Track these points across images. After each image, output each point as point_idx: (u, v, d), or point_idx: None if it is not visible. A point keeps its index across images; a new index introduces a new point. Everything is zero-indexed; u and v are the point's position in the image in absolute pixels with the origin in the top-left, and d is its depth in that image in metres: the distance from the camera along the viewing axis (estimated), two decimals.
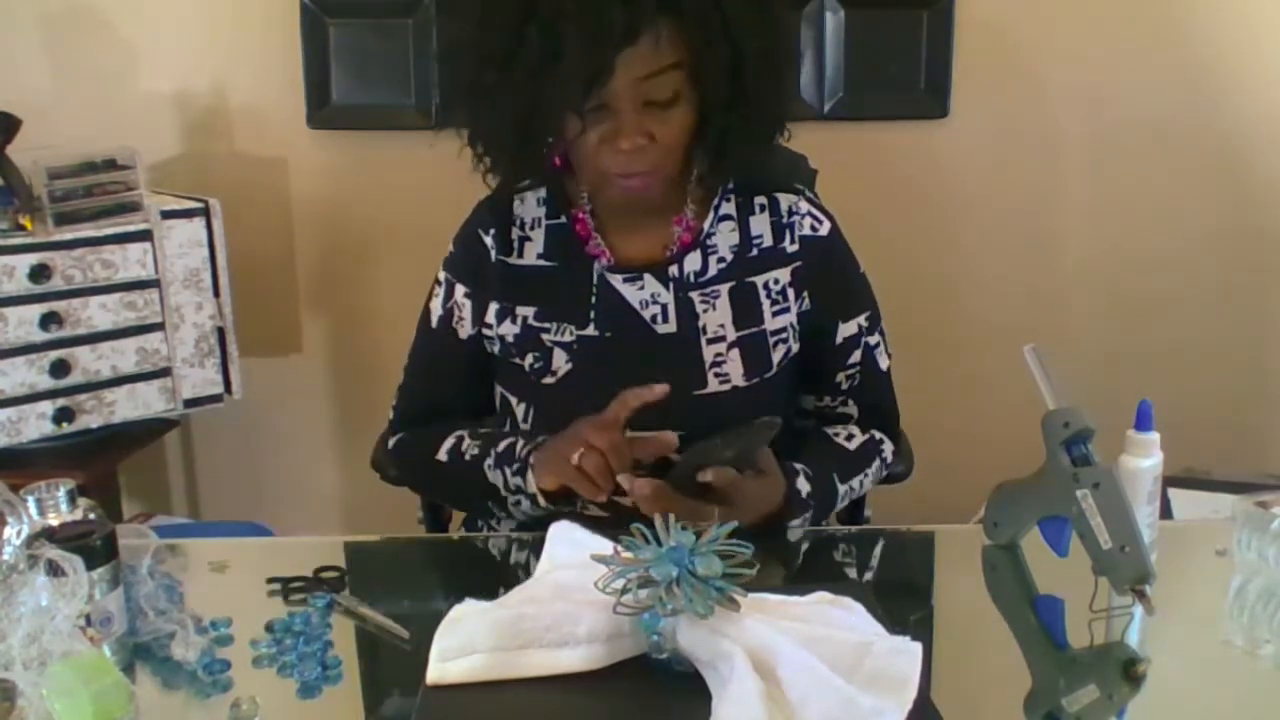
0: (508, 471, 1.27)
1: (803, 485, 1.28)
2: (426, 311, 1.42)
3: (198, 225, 2.07)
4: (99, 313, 1.99)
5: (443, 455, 1.35)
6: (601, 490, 1.17)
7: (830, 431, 1.41)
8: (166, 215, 2.04)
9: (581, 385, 1.31)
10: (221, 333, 2.12)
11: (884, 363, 1.42)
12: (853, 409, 1.42)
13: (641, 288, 1.33)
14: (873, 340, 1.40)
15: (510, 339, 1.35)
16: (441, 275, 1.41)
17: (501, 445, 1.29)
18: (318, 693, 0.95)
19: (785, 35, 1.30)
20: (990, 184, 2.37)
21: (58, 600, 0.88)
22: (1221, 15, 2.27)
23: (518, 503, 1.28)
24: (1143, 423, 1.11)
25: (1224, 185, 2.36)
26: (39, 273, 1.92)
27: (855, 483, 1.37)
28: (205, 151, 2.34)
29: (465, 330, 1.39)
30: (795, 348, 1.36)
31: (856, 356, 1.39)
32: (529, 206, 1.37)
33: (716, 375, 1.31)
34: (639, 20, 1.14)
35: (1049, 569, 1.09)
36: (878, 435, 1.42)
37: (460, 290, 1.38)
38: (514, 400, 1.37)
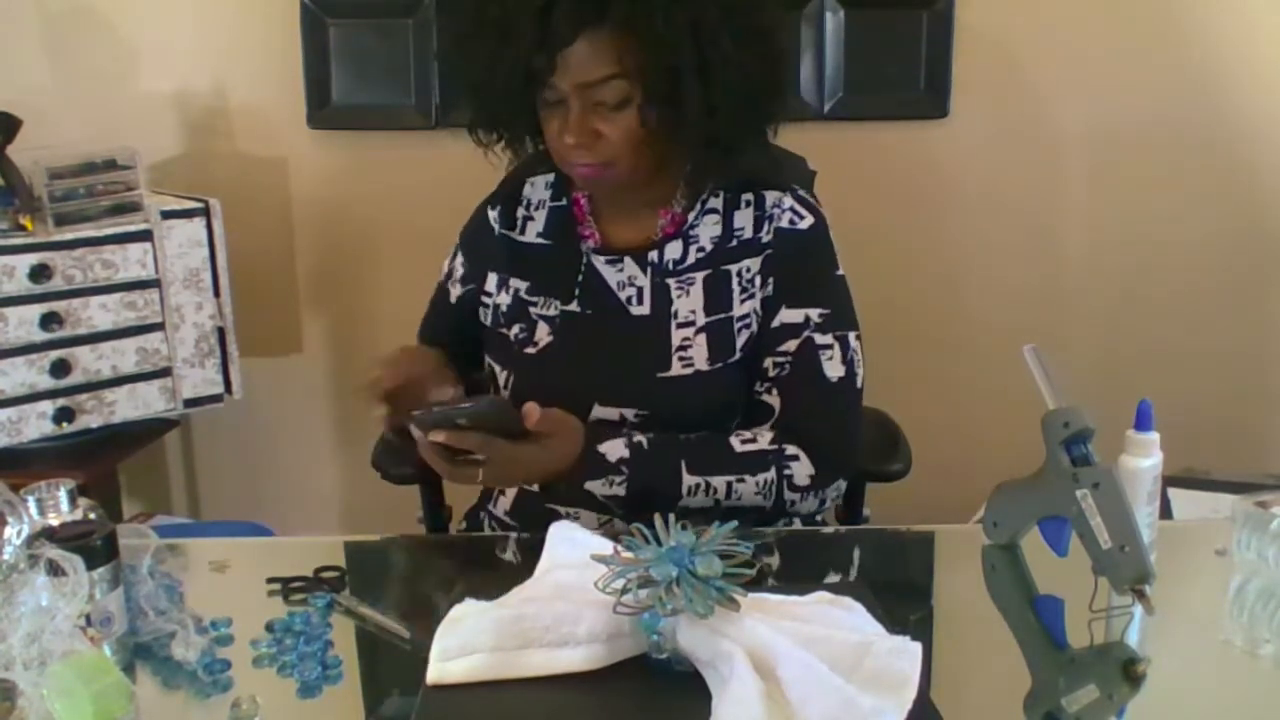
0: None
1: (612, 449, 1.27)
2: (443, 266, 1.53)
3: (198, 225, 2.07)
4: (99, 313, 1.99)
5: None
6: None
7: (735, 434, 1.33)
8: (167, 215, 2.04)
9: (558, 356, 1.37)
10: (221, 333, 2.12)
11: (831, 371, 1.32)
12: (774, 400, 1.33)
13: (621, 270, 1.38)
14: (821, 339, 1.33)
15: (503, 308, 1.42)
16: (457, 238, 1.52)
17: None
18: (318, 693, 0.95)
19: (734, 39, 1.25)
20: (990, 184, 2.37)
21: (58, 600, 0.88)
22: (1221, 15, 2.27)
23: None
24: (1142, 423, 1.11)
25: (1224, 185, 2.36)
26: (39, 273, 1.92)
27: (719, 481, 1.28)
28: (205, 151, 2.34)
29: (454, 294, 1.49)
30: (755, 331, 1.35)
31: (791, 346, 1.33)
32: (538, 189, 1.46)
33: (680, 359, 1.33)
34: (560, 29, 1.21)
35: (1049, 569, 1.09)
36: (790, 450, 1.30)
37: (460, 257, 1.50)
38: (498, 368, 1.43)
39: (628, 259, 1.38)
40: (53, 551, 0.90)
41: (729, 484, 1.28)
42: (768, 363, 1.34)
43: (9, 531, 0.93)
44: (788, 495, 1.30)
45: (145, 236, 2.02)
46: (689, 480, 1.27)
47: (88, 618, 0.94)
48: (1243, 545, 1.14)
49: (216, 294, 2.11)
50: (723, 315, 1.35)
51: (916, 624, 1.06)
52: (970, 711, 0.92)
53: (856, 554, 1.29)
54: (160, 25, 2.28)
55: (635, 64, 1.23)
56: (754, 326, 1.35)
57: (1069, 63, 2.30)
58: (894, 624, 0.95)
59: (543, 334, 1.38)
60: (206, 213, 2.07)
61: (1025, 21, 2.28)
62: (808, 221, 1.36)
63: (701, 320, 1.34)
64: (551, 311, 1.39)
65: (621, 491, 1.27)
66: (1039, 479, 1.08)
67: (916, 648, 0.88)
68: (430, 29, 2.24)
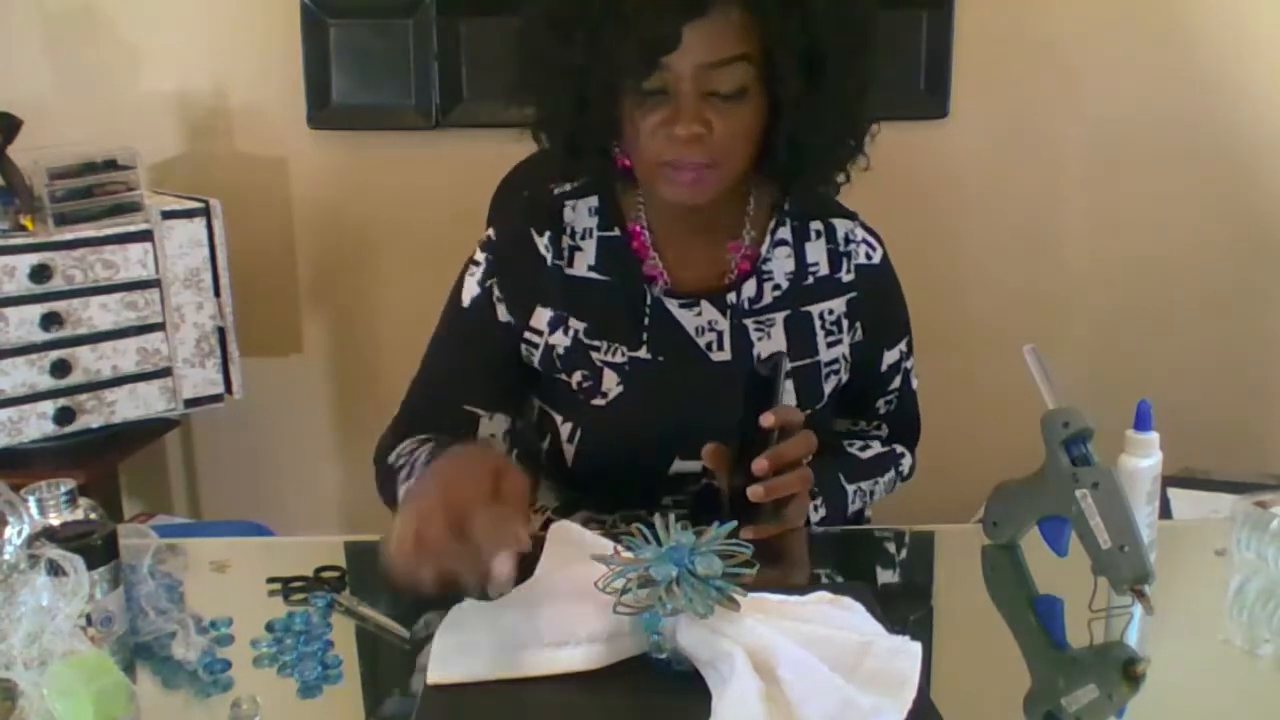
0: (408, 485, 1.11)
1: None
2: (457, 296, 1.32)
3: (198, 225, 2.07)
4: (100, 313, 1.99)
5: (392, 457, 1.23)
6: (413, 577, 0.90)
7: (845, 443, 1.40)
8: (167, 215, 2.04)
9: (633, 408, 1.26)
10: (222, 333, 2.13)
11: (915, 383, 1.43)
12: (885, 430, 1.43)
13: (699, 314, 1.28)
14: (909, 364, 1.41)
15: (561, 351, 1.28)
16: (480, 256, 1.31)
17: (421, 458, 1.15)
18: (318, 693, 0.95)
19: (872, 36, 1.18)
20: (990, 185, 2.37)
21: (59, 600, 0.88)
22: (1221, 16, 2.27)
23: None
24: (1142, 423, 1.11)
25: (1224, 185, 2.36)
26: (40, 273, 1.92)
27: (866, 485, 1.34)
28: (206, 152, 2.34)
29: (504, 315, 1.29)
30: (845, 378, 1.34)
31: (896, 383, 1.39)
32: (580, 215, 1.30)
33: None
34: None
35: (1049, 569, 1.09)
36: (899, 449, 1.42)
37: (500, 280, 1.29)
38: (559, 419, 1.31)
39: (705, 302, 1.27)
40: (53, 551, 0.90)
41: (871, 487, 1.35)
42: (879, 404, 1.40)
43: (10, 531, 0.93)
44: (898, 486, 1.41)
45: (146, 236, 2.02)
46: (850, 488, 1.31)
47: (88, 617, 0.94)
48: (1242, 545, 1.13)
49: (217, 294, 2.11)
50: (808, 360, 1.30)
51: (916, 624, 1.05)
52: (970, 711, 0.92)
53: (856, 554, 1.29)
54: (160, 25, 2.28)
55: (773, 45, 1.12)
56: (842, 373, 1.33)
57: (1069, 63, 2.30)
58: (894, 624, 0.95)
59: (611, 383, 1.26)
60: (207, 213, 2.08)
61: (1025, 21, 2.28)
62: (879, 253, 1.34)
63: (786, 365, 1.22)
64: (618, 358, 1.26)
65: (824, 512, 1.27)
66: (1039, 479, 1.08)
67: (916, 647, 0.88)
68: (431, 29, 2.25)
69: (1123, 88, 2.31)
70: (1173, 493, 1.96)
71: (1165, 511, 1.82)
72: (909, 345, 1.40)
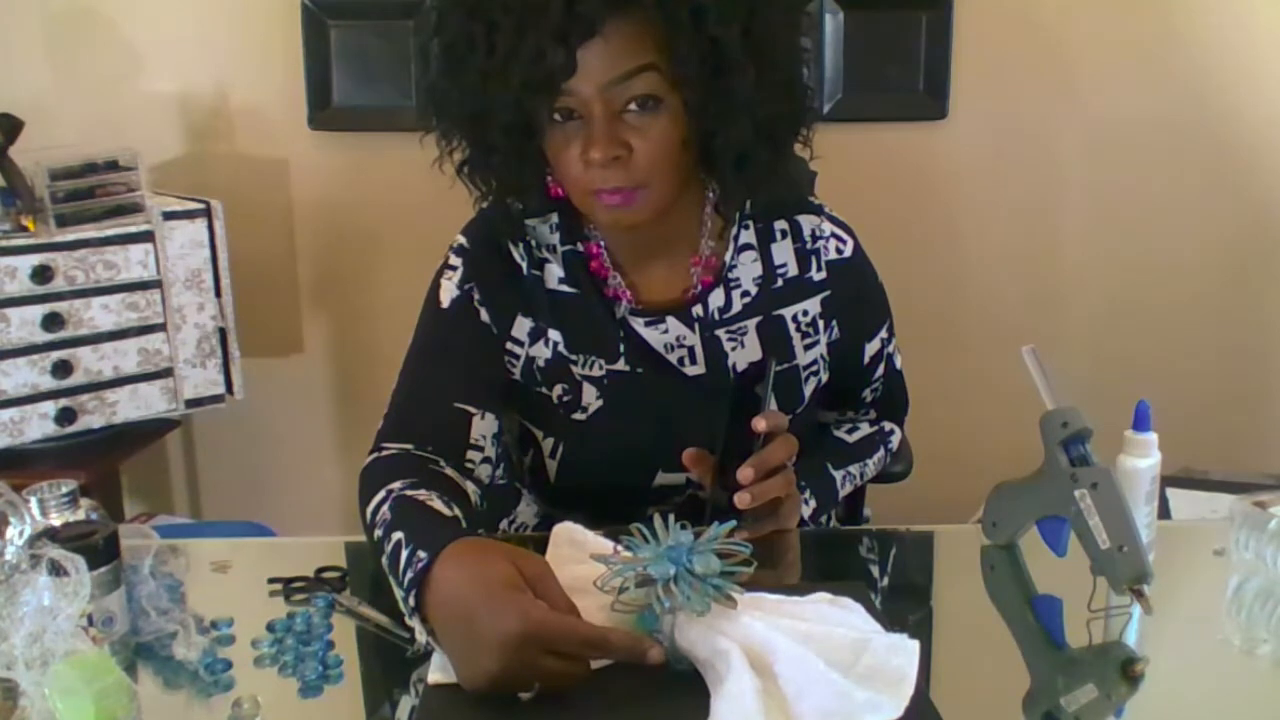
0: (403, 584, 0.95)
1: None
2: (434, 300, 1.28)
3: (199, 226, 2.08)
4: (101, 313, 2.00)
5: (372, 506, 1.15)
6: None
7: (831, 427, 1.41)
8: (168, 216, 2.04)
9: (613, 423, 1.25)
10: (223, 333, 2.13)
11: (899, 361, 1.41)
12: (873, 415, 1.44)
13: (665, 331, 1.25)
14: (891, 347, 1.38)
15: (541, 363, 1.26)
16: (455, 260, 1.27)
17: (404, 554, 0.96)
18: (319, 692, 0.96)
19: (777, 22, 1.13)
20: (989, 186, 2.37)
21: (60, 600, 0.88)
22: (1221, 17, 2.28)
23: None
24: (1141, 423, 1.11)
25: (1223, 185, 2.37)
26: (41, 273, 1.93)
27: (854, 469, 1.36)
28: (207, 153, 2.35)
29: (485, 317, 1.26)
30: (825, 378, 1.33)
31: (881, 370, 1.38)
32: (542, 232, 1.27)
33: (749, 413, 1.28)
34: (587, 13, 1.03)
35: (1048, 569, 1.10)
36: (887, 426, 1.43)
37: (480, 284, 1.26)
38: (540, 434, 1.29)
39: (670, 319, 1.25)
40: (55, 551, 0.91)
41: (861, 472, 1.37)
42: (865, 394, 1.40)
43: (11, 532, 0.94)
44: (887, 465, 1.44)
45: (147, 237, 2.02)
46: (838, 474, 1.33)
47: (89, 617, 0.94)
48: (1241, 545, 1.14)
49: (218, 295, 2.11)
50: (786, 365, 1.27)
51: (916, 624, 1.06)
52: (970, 711, 0.92)
53: (856, 554, 1.29)
54: (162, 26, 2.29)
55: (672, 49, 1.06)
56: (821, 373, 1.31)
57: (1068, 63, 2.31)
58: (893, 624, 0.95)
59: (590, 397, 1.25)
60: (208, 214, 2.08)
61: (1025, 22, 2.29)
62: (850, 245, 1.30)
63: (774, 369, 1.21)
64: (596, 372, 1.25)
65: (814, 504, 1.27)
66: (1038, 479, 1.08)
67: (914, 644, 0.88)
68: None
69: (1123, 88, 2.32)
70: (1171, 493, 1.96)
71: (1164, 511, 1.82)
72: (889, 329, 1.37)
